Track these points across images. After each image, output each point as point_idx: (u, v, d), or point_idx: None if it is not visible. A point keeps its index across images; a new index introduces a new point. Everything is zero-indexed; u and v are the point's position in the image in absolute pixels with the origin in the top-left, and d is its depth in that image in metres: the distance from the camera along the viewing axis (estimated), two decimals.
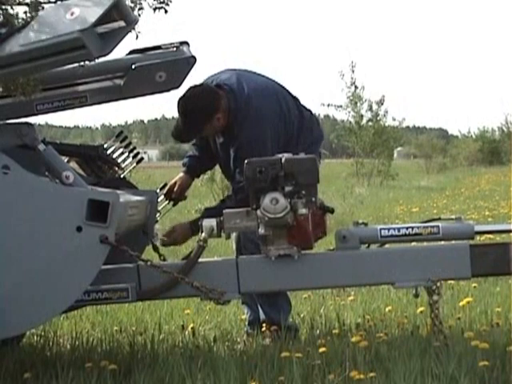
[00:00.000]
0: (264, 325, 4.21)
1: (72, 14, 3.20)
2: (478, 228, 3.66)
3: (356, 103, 26.88)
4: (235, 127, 4.03)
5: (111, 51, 3.31)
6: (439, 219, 3.71)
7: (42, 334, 4.36)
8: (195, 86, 4.05)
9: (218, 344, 4.15)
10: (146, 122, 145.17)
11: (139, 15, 4.08)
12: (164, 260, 4.05)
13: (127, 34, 3.34)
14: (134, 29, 3.64)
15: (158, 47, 4.04)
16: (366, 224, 3.68)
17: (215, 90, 4.04)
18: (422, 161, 37.75)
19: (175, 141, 4.14)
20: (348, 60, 47.95)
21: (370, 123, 27.23)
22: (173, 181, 4.31)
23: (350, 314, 4.77)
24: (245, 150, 3.91)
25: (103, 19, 3.16)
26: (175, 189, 4.28)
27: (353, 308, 4.98)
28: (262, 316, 4.27)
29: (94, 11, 3.16)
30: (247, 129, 4.00)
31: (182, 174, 4.33)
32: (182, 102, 4.00)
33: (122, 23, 3.25)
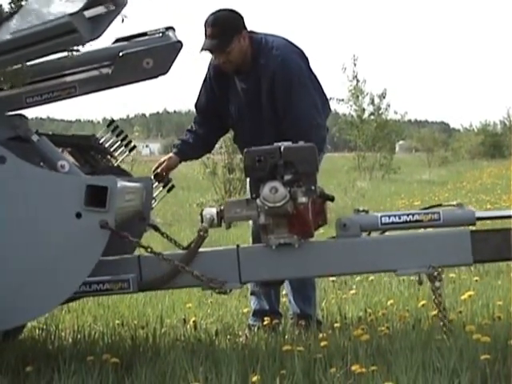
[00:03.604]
0: (294, 317, 4.30)
1: None
2: (478, 214, 3.65)
3: (358, 97, 26.88)
4: (263, 71, 4.08)
5: (101, 34, 3.27)
6: (440, 206, 3.70)
7: (44, 327, 4.36)
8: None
9: (219, 337, 4.15)
10: (147, 115, 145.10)
11: None
12: (167, 237, 4.11)
13: (116, 16, 3.30)
14: (120, 12, 3.61)
15: (144, 34, 4.02)
16: (366, 211, 3.67)
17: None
18: (424, 154, 37.70)
19: (205, 51, 4.05)
20: (350, 53, 47.94)
21: (372, 117, 27.23)
22: (162, 159, 4.38)
23: (351, 308, 4.77)
24: (294, 89, 4.06)
25: (92, 2, 3.13)
26: (162, 166, 4.33)
27: (354, 301, 4.98)
28: (294, 309, 4.34)
29: None
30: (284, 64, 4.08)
31: (171, 154, 4.39)
32: (213, 16, 4.07)
33: (111, 6, 3.21)
